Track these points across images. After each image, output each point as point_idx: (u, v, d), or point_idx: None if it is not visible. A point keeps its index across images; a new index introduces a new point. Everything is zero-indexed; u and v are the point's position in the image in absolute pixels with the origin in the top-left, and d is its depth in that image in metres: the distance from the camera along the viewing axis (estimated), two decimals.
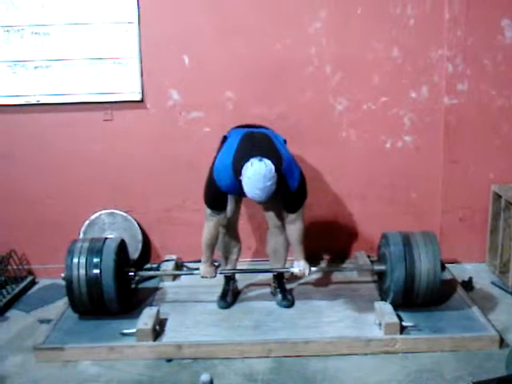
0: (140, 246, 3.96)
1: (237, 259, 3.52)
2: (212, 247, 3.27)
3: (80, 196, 3.94)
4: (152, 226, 4.04)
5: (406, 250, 3.18)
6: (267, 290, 3.56)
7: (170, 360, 2.97)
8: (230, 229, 3.40)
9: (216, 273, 3.34)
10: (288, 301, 3.40)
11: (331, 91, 3.83)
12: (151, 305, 3.40)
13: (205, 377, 2.32)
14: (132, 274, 3.43)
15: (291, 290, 3.57)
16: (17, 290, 3.78)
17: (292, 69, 3.79)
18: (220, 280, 3.54)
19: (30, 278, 3.96)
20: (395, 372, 2.83)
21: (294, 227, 3.21)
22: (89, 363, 2.97)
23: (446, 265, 3.88)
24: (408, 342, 2.98)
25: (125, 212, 3.95)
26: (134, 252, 3.90)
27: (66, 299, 3.57)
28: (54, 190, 3.94)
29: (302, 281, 3.71)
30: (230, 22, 3.73)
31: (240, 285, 3.64)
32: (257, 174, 2.73)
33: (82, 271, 3.15)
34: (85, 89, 3.79)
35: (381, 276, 3.41)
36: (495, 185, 3.87)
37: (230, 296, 3.47)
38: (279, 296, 3.43)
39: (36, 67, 3.76)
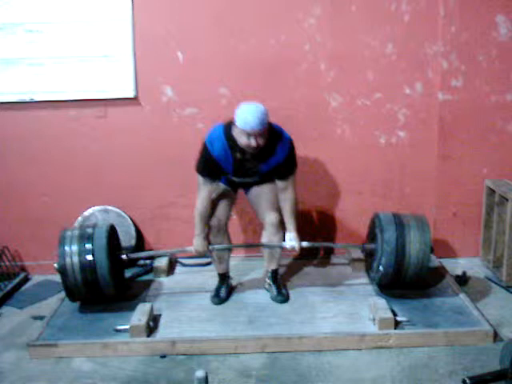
0: (134, 242, 3.95)
1: (229, 258, 3.52)
2: (205, 219, 3.27)
3: (73, 192, 3.93)
4: (146, 222, 4.04)
5: (398, 230, 3.20)
6: (261, 285, 3.55)
7: (164, 356, 2.96)
8: (221, 231, 3.40)
9: (209, 247, 3.33)
10: (283, 296, 3.40)
11: (326, 87, 3.83)
12: (145, 301, 3.39)
13: (200, 373, 2.31)
14: (124, 257, 3.42)
15: (285, 285, 3.56)
16: (10, 286, 3.77)
17: (286, 65, 3.78)
18: (214, 276, 3.54)
19: (22, 275, 3.95)
20: (389, 367, 2.83)
21: (286, 195, 3.26)
22: (82, 359, 2.96)
23: (440, 259, 3.90)
24: (402, 337, 2.99)
25: (118, 208, 3.94)
26: (128, 248, 3.89)
27: (59, 295, 3.59)
28: (47, 186, 3.93)
29: (296, 278, 3.72)
30: (224, 19, 3.73)
31: (234, 281, 3.64)
32: (249, 106, 2.99)
33: (75, 258, 3.14)
34: (78, 86, 3.78)
35: (371, 255, 3.41)
36: (489, 179, 3.88)
37: (224, 292, 3.46)
38: (274, 291, 3.43)
39: (29, 64, 3.74)
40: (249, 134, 2.95)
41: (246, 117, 2.93)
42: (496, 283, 3.67)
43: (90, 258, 3.15)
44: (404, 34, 3.76)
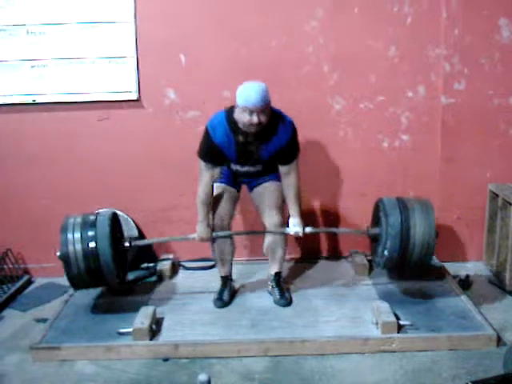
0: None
1: (232, 260, 3.51)
2: (207, 205, 3.26)
3: (76, 195, 3.93)
4: (148, 224, 4.04)
5: (402, 214, 3.17)
6: (264, 288, 3.55)
7: (166, 359, 2.96)
8: (224, 229, 3.38)
9: (212, 234, 3.31)
10: (286, 299, 3.40)
11: (328, 90, 3.83)
12: (148, 304, 3.38)
13: (203, 376, 2.31)
14: (128, 244, 3.39)
15: (288, 288, 3.56)
16: (13, 289, 3.77)
17: (289, 67, 3.78)
18: (217, 279, 3.54)
19: (25, 277, 3.95)
20: (392, 371, 2.82)
21: (289, 180, 3.26)
22: (85, 363, 2.95)
23: (444, 263, 3.89)
24: (405, 341, 2.98)
25: (120, 211, 3.93)
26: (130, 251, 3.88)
27: (62, 298, 3.60)
28: (50, 188, 3.93)
29: (298, 281, 3.72)
30: (226, 21, 3.73)
31: (237, 284, 3.64)
32: (249, 84, 2.99)
33: (78, 246, 3.09)
34: (81, 88, 3.78)
35: (375, 240, 3.39)
36: (492, 184, 3.87)
37: (227, 295, 3.46)
38: (277, 295, 3.42)
39: (32, 66, 3.75)
40: (251, 111, 2.95)
41: (248, 93, 2.93)
42: (499, 287, 3.66)
43: (92, 245, 3.10)
44: (407, 36, 3.76)
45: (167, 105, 3.85)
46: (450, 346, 2.97)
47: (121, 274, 3.29)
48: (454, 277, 3.72)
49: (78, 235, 3.12)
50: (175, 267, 3.94)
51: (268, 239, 3.43)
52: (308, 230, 3.33)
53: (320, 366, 2.87)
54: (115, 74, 3.77)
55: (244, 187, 3.49)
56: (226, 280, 3.52)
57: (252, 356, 2.96)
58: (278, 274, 3.49)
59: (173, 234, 4.01)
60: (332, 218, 4.06)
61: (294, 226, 3.29)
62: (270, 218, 3.36)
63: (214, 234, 3.33)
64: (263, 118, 2.99)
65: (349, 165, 3.96)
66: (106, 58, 3.75)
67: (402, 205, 3.23)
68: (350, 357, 2.94)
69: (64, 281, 3.80)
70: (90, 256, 3.10)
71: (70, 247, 3.10)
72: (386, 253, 3.20)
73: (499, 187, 3.80)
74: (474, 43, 3.74)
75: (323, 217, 4.07)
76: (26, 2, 3.67)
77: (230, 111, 3.10)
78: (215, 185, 3.35)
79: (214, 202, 3.35)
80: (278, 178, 3.36)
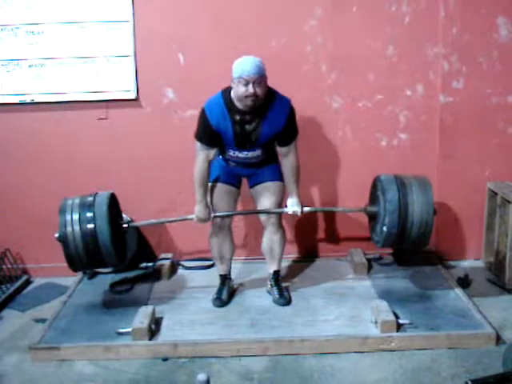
0: (135, 245, 3.94)
1: (231, 259, 3.52)
2: (204, 185, 3.25)
3: (74, 194, 3.90)
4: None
5: (400, 190, 3.16)
6: (263, 288, 3.55)
7: (166, 359, 2.96)
8: (224, 229, 3.40)
9: (210, 215, 3.30)
10: (285, 298, 3.40)
11: (327, 89, 3.83)
12: (147, 303, 3.38)
13: (202, 376, 2.32)
14: (126, 225, 3.37)
15: (287, 287, 3.56)
16: (11, 289, 3.77)
17: (288, 67, 3.78)
18: (216, 278, 3.54)
19: (24, 278, 3.95)
20: (392, 370, 2.82)
21: (288, 161, 3.26)
22: (85, 363, 2.95)
23: (443, 262, 3.90)
24: (404, 340, 2.98)
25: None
26: (129, 251, 3.88)
27: (61, 298, 3.60)
28: (49, 188, 3.92)
29: (297, 280, 3.72)
30: (225, 20, 3.73)
31: (236, 283, 3.63)
32: (245, 57, 3.04)
33: (76, 226, 3.08)
34: (79, 87, 3.78)
35: (374, 218, 3.37)
36: (491, 182, 3.87)
37: (226, 294, 3.46)
38: (276, 294, 3.42)
39: (30, 66, 3.74)
40: (246, 81, 2.96)
41: (243, 64, 2.98)
42: (498, 285, 3.66)
43: (91, 226, 3.09)
44: (405, 35, 3.76)
45: (166, 104, 3.85)
46: (449, 345, 2.97)
47: (119, 255, 3.26)
48: (453, 275, 3.72)
49: (76, 216, 3.11)
50: (174, 267, 3.94)
51: (266, 238, 3.44)
52: (306, 209, 3.34)
53: (319, 365, 2.88)
54: (113, 73, 3.76)
55: (244, 184, 3.47)
56: (225, 279, 3.52)
57: (251, 355, 2.96)
58: (276, 273, 3.49)
59: (172, 233, 4.04)
60: (329, 217, 4.05)
61: (293, 206, 3.30)
62: (268, 219, 3.37)
63: (213, 215, 3.31)
64: (259, 90, 2.98)
65: (347, 164, 3.95)
66: (105, 57, 3.75)
67: (400, 182, 3.21)
68: (349, 356, 2.94)
69: (63, 281, 3.86)
70: (89, 236, 3.08)
71: (69, 228, 3.09)
72: (384, 229, 3.18)
73: (498, 185, 3.80)
74: (472, 42, 3.74)
75: (320, 216, 4.06)
76: (24, 1, 3.66)
77: (226, 91, 3.11)
78: (216, 184, 3.34)
79: (214, 201, 3.34)
80: (278, 174, 3.35)
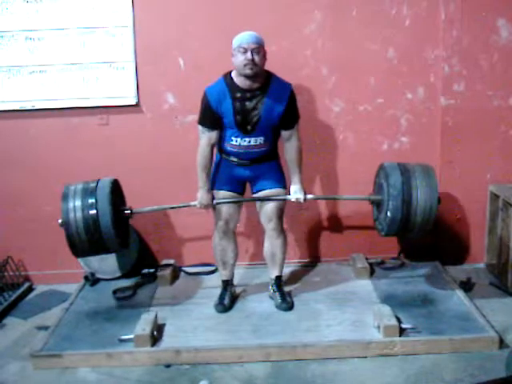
0: (137, 250, 3.94)
1: (234, 264, 3.51)
2: (207, 170, 3.25)
3: None
4: (149, 230, 4.03)
5: (403, 175, 3.15)
6: (265, 293, 3.54)
7: (168, 366, 2.95)
8: (228, 234, 3.40)
9: (213, 201, 3.29)
10: (287, 303, 3.39)
11: (327, 93, 3.83)
12: (149, 310, 3.38)
13: (204, 383, 2.32)
14: (128, 211, 3.37)
15: (290, 292, 3.55)
16: (14, 296, 3.76)
17: (288, 70, 3.76)
18: (218, 284, 3.53)
19: (26, 285, 3.94)
20: (395, 375, 2.82)
21: (290, 145, 3.28)
22: (87, 370, 2.95)
23: (445, 265, 3.88)
24: (407, 344, 2.97)
25: None
26: (131, 257, 3.89)
27: (63, 305, 3.59)
28: (50, 195, 3.90)
29: (300, 285, 3.71)
30: (225, 25, 3.71)
31: (238, 289, 3.63)
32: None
33: (79, 212, 3.08)
34: (80, 93, 3.78)
35: (378, 206, 3.36)
36: (493, 184, 3.86)
37: (228, 299, 3.45)
38: (278, 299, 3.41)
39: (31, 72, 3.75)
40: (245, 49, 3.03)
41: (242, 35, 3.08)
42: (501, 289, 3.65)
43: (93, 211, 3.09)
44: (405, 38, 3.76)
45: (166, 109, 3.85)
46: (452, 349, 2.96)
47: (121, 241, 3.26)
48: (456, 279, 3.71)
49: (78, 203, 3.11)
50: (176, 273, 3.93)
51: (268, 243, 3.43)
52: (309, 196, 3.34)
53: (322, 371, 2.87)
54: (114, 79, 3.77)
55: (247, 190, 3.46)
56: (227, 284, 3.51)
57: (254, 361, 2.95)
58: (278, 278, 3.49)
59: (173, 237, 4.03)
60: (330, 221, 4.05)
61: (296, 193, 3.30)
62: (271, 223, 3.37)
63: (215, 202, 3.30)
64: (257, 58, 3.04)
65: (349, 168, 3.94)
66: (105, 63, 3.75)
67: (403, 167, 3.21)
68: (352, 361, 2.94)
69: (65, 288, 3.86)
70: (91, 222, 3.08)
71: (71, 214, 3.09)
72: (388, 214, 3.16)
73: (500, 188, 3.80)
74: (472, 44, 3.73)
75: (322, 221, 4.05)
76: (25, 8, 3.67)
77: (227, 73, 3.19)
78: (220, 192, 3.33)
79: (218, 208, 3.34)
80: (280, 181, 3.36)
